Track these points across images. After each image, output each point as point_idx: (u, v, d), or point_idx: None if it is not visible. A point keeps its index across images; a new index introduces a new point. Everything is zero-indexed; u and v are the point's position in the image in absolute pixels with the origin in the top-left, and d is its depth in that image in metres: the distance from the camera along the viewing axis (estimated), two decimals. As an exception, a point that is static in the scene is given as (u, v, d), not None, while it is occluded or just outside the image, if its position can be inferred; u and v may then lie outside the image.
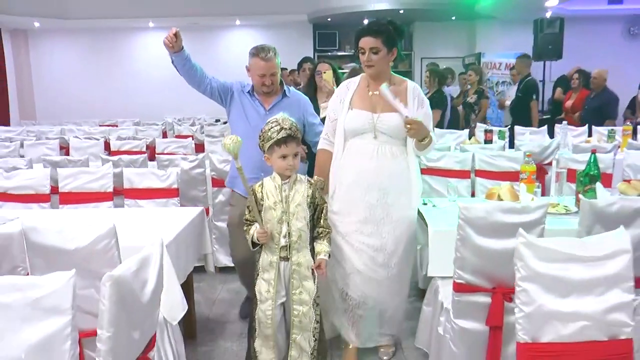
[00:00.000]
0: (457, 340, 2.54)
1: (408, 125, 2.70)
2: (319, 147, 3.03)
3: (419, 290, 3.63)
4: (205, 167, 4.33)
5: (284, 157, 2.44)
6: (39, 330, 1.57)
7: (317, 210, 2.55)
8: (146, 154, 4.91)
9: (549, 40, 9.13)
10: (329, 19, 11.23)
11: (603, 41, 10.29)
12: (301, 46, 11.03)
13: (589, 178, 3.14)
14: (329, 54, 11.74)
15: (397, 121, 2.76)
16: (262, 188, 2.52)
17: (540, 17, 9.27)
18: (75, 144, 6.16)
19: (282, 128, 2.42)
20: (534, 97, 7.18)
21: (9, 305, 1.58)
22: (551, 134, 6.54)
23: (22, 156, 5.71)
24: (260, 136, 2.49)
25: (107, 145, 6.28)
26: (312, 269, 2.53)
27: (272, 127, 2.44)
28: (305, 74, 4.70)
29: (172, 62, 3.10)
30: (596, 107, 6.90)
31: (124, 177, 3.77)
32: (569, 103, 7.58)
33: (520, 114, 7.15)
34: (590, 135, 6.26)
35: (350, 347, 2.98)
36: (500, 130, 5.75)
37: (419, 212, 3.07)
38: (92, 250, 2.09)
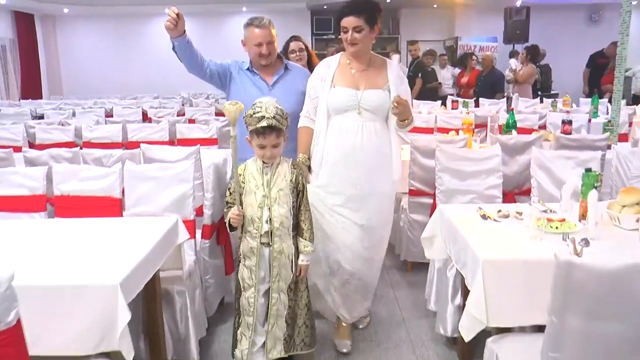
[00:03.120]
0: (411, 228, 3.93)
1: (395, 104, 2.66)
2: (300, 124, 2.90)
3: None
4: (232, 126, 5.71)
5: (262, 147, 2.34)
6: (176, 191, 2.93)
7: (299, 196, 2.46)
8: (184, 116, 6.25)
9: (517, 26, 10.47)
10: (325, 6, 12.44)
11: (566, 27, 11.58)
12: (300, 31, 12.20)
13: (509, 127, 4.55)
14: (325, 37, 13.00)
15: (381, 98, 2.77)
16: (244, 170, 2.44)
17: (510, 5, 10.56)
18: (118, 112, 7.49)
19: (263, 117, 2.28)
20: (420, 75, 8.86)
21: (160, 178, 2.95)
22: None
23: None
24: (244, 117, 2.35)
25: (143, 113, 7.59)
26: (292, 257, 2.47)
27: (255, 112, 2.30)
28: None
29: (173, 48, 2.97)
30: (488, 83, 8.57)
31: (177, 130, 5.12)
32: (464, 80, 9.20)
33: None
34: (541, 102, 7.67)
35: (344, 324, 2.99)
36: (464, 101, 7.11)
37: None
38: (187, 161, 3.45)
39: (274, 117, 2.28)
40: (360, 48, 2.78)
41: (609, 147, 3.92)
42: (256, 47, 3.05)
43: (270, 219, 2.38)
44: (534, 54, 8.76)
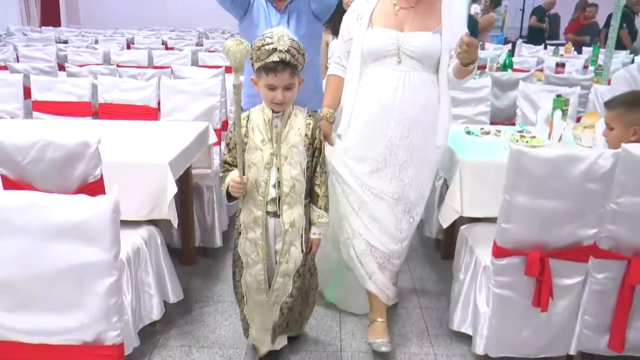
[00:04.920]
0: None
1: (465, 47, 2.06)
2: (330, 72, 2.48)
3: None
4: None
5: (272, 88, 1.87)
6: (205, 103, 3.40)
7: (315, 155, 2.01)
8: (204, 46, 6.63)
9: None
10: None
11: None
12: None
13: (505, 67, 4.95)
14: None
15: (429, 43, 2.23)
16: (247, 121, 1.95)
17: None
18: (139, 41, 7.85)
19: (275, 49, 1.81)
20: None
21: (191, 91, 3.41)
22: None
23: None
24: (250, 51, 1.82)
25: (164, 43, 7.95)
26: (302, 231, 2.02)
27: (264, 44, 1.82)
28: None
29: None
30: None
31: (198, 58, 5.53)
32: None
33: None
34: (545, 48, 8.00)
35: (380, 320, 2.47)
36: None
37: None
38: (215, 78, 3.89)
39: (287, 51, 1.82)
40: None
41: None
42: None
43: (279, 183, 1.95)
44: (497, 2, 9.06)
